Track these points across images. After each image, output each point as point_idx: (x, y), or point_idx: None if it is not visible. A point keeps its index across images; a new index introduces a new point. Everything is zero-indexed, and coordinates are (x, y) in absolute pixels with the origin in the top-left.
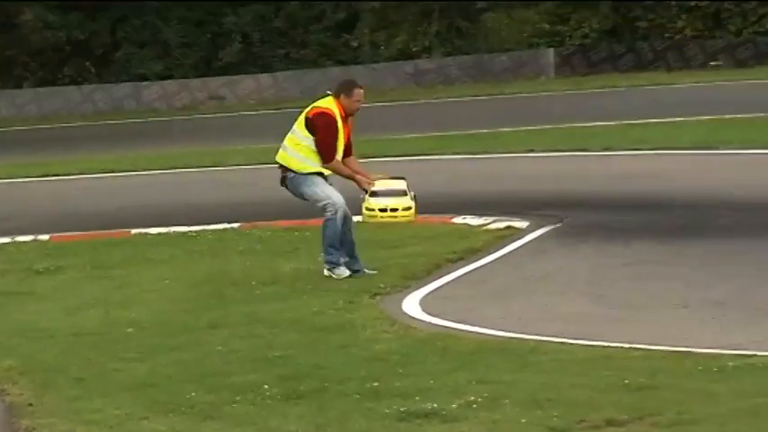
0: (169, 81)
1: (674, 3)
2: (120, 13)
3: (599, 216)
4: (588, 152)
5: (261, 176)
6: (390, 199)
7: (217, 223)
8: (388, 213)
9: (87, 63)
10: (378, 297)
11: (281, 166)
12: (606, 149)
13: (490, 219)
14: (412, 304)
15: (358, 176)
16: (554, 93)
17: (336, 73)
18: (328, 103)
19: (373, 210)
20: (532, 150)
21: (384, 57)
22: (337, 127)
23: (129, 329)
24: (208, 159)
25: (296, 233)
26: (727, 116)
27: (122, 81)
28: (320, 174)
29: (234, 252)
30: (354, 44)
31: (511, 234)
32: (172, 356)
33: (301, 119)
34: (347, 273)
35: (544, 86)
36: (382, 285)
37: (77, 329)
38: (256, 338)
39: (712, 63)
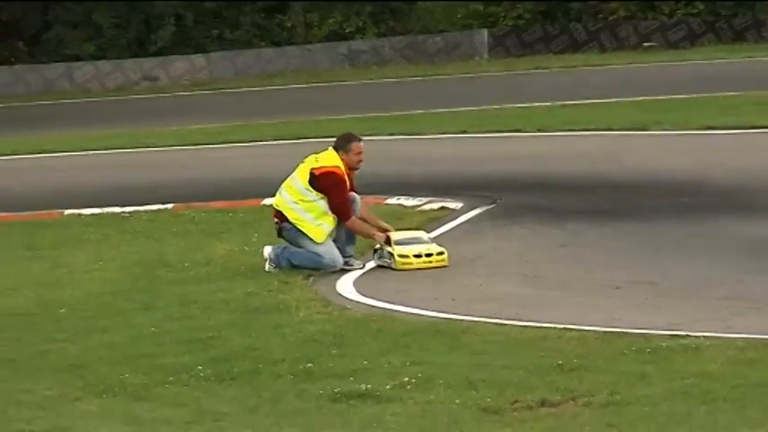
0: (102, 61)
1: None
2: None
3: (532, 197)
4: (522, 133)
5: (194, 157)
6: (420, 246)
7: (150, 204)
8: (423, 259)
9: (20, 43)
10: (311, 278)
11: (279, 215)
12: (539, 130)
13: (424, 200)
14: (346, 285)
15: (377, 235)
16: (488, 74)
17: (270, 54)
18: (333, 160)
19: (408, 256)
20: (466, 131)
21: (318, 37)
22: (346, 183)
23: (62, 310)
24: (142, 140)
25: (230, 214)
26: (660, 97)
27: (55, 61)
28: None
29: (167, 233)
30: (288, 25)
31: (444, 215)
32: (104, 338)
33: (305, 171)
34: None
35: (478, 67)
36: None
37: (9, 310)
38: (189, 320)
39: (645, 44)
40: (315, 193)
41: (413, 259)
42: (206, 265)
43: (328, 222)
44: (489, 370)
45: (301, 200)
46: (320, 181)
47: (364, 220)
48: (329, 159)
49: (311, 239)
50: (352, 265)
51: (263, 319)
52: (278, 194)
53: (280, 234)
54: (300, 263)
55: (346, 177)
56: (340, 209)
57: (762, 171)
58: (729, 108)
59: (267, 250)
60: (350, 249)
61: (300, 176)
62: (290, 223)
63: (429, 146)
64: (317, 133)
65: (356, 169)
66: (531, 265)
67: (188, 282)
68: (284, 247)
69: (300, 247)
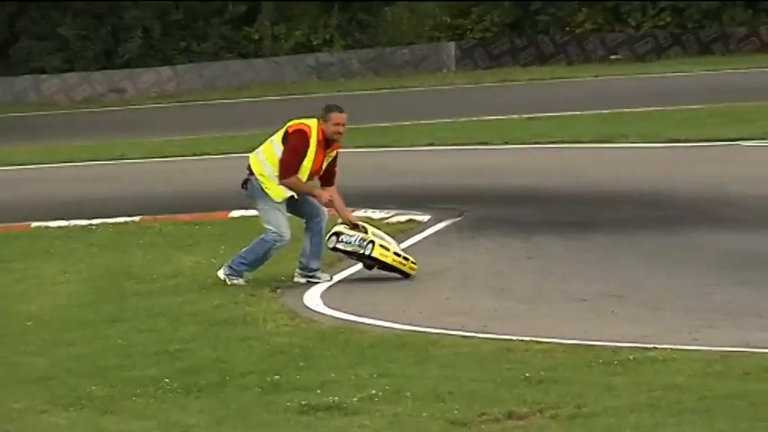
0: (69, 74)
1: None
2: (17, 6)
3: (499, 210)
4: (489, 146)
5: (162, 170)
6: (398, 247)
7: (117, 216)
8: (400, 259)
9: None
10: (279, 290)
11: (249, 168)
12: (506, 143)
13: (391, 212)
14: (313, 298)
15: (316, 190)
16: (455, 86)
17: (238, 66)
18: (309, 122)
19: (387, 249)
20: (433, 144)
21: (285, 50)
22: (307, 147)
23: (29, 323)
24: (110, 152)
25: (196, 227)
26: (627, 110)
27: (22, 74)
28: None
29: (134, 246)
30: (255, 37)
31: (411, 227)
32: (71, 350)
33: (281, 132)
34: (242, 283)
35: (445, 80)
36: (283, 278)
37: None
38: (156, 332)
39: (612, 56)
40: (283, 149)
41: (392, 255)
42: (173, 278)
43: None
44: (457, 382)
45: (271, 156)
46: (289, 137)
47: (335, 204)
48: (307, 121)
49: (270, 198)
50: (319, 279)
51: (231, 331)
52: (255, 152)
53: (244, 185)
54: (249, 254)
55: (312, 141)
56: (284, 165)
57: (728, 184)
58: (695, 120)
59: (220, 273)
60: (314, 263)
61: (278, 137)
62: (255, 177)
63: (396, 158)
64: None
65: (334, 141)
66: (499, 278)
67: (155, 294)
68: (230, 260)
69: (256, 207)
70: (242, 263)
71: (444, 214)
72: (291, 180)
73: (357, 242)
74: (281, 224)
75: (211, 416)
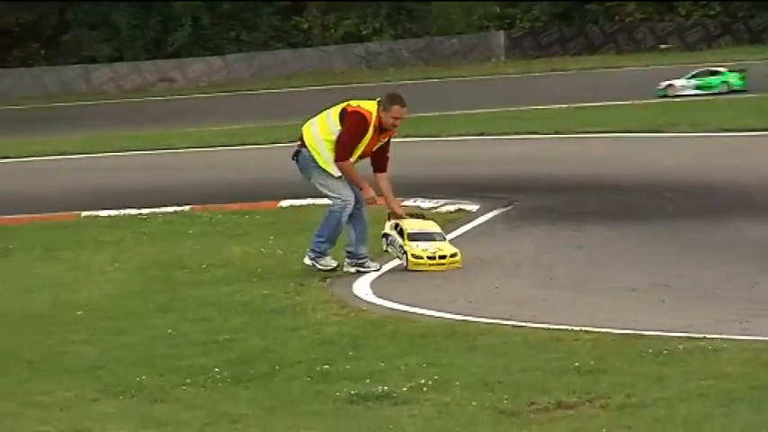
0: (119, 63)
1: None
2: None
3: (548, 199)
4: (538, 135)
5: (212, 159)
6: (434, 244)
7: (167, 206)
8: (437, 261)
9: (36, 45)
10: (328, 280)
11: (301, 139)
12: (556, 132)
13: (441, 202)
14: (363, 287)
15: (364, 183)
16: (504, 76)
17: (287, 55)
18: (370, 107)
19: (421, 258)
20: (483, 133)
21: (334, 39)
22: (366, 132)
23: (79, 312)
24: (159, 142)
25: (246, 216)
26: (677, 99)
27: (72, 63)
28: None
29: (184, 235)
30: (305, 27)
31: (461, 217)
32: (121, 339)
33: (339, 107)
34: (333, 264)
35: (494, 69)
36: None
37: (27, 312)
38: (205, 322)
39: (662, 46)
40: (340, 128)
41: (426, 261)
42: (223, 267)
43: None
44: (506, 372)
45: (326, 133)
46: (347, 116)
47: (381, 191)
48: (367, 104)
49: (323, 169)
50: (368, 267)
51: (280, 321)
52: (309, 122)
53: (295, 156)
54: (324, 230)
55: (370, 127)
56: (341, 146)
57: None
58: (747, 110)
59: (306, 260)
60: (362, 249)
61: (334, 112)
62: (308, 150)
63: (446, 148)
64: None
65: (388, 131)
66: (548, 267)
67: (204, 284)
68: (310, 245)
69: (310, 178)
70: (320, 242)
71: (494, 204)
72: (346, 164)
73: (398, 249)
74: (341, 189)
75: (261, 405)
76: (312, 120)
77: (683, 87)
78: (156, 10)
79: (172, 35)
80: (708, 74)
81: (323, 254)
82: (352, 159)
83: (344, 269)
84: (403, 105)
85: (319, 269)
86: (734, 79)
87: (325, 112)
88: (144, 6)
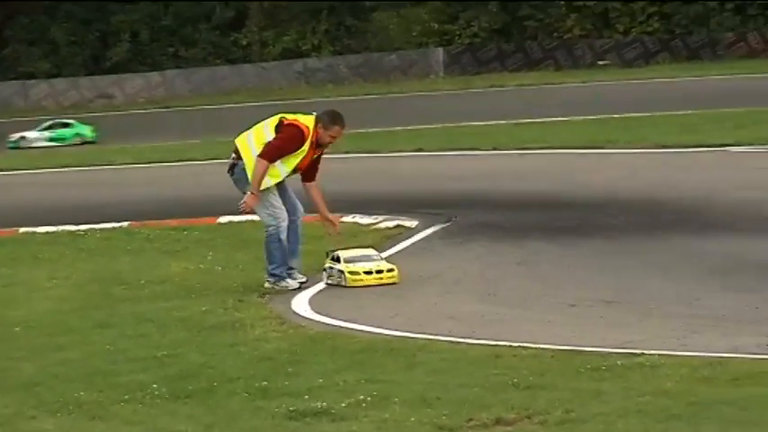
0: (57, 79)
1: (562, 2)
2: (7, 11)
3: (488, 215)
4: (477, 151)
5: (150, 175)
6: (370, 263)
7: (105, 222)
8: (374, 276)
9: None
10: (267, 296)
11: (236, 152)
12: (495, 148)
13: (380, 218)
14: (301, 303)
15: (256, 191)
16: (443, 92)
17: (226, 71)
18: (307, 122)
19: (358, 273)
20: (422, 149)
21: (273, 55)
22: (301, 146)
23: (17, 329)
24: (98, 158)
25: (185, 232)
26: (615, 115)
27: (9, 79)
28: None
29: (122, 251)
30: (243, 43)
31: (400, 233)
32: (59, 356)
33: (275, 119)
34: (295, 284)
35: (434, 85)
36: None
37: None
38: (144, 338)
39: (600, 62)
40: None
41: (363, 276)
42: (161, 284)
43: (273, 176)
44: (445, 388)
45: (261, 143)
46: (284, 128)
47: (312, 200)
48: (304, 119)
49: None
50: (295, 278)
51: (219, 337)
52: (244, 134)
53: (231, 170)
54: (271, 259)
55: (307, 142)
56: (270, 149)
57: (717, 189)
58: (684, 126)
59: (266, 285)
60: (293, 263)
61: (270, 123)
62: (243, 162)
63: (384, 164)
64: None
65: (322, 146)
66: (488, 283)
67: (143, 300)
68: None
69: (244, 192)
70: (274, 269)
71: (433, 220)
72: (264, 164)
73: (336, 274)
74: (274, 205)
75: (199, 422)
76: (246, 132)
77: (37, 139)
78: (94, 25)
79: (110, 50)
80: (60, 126)
81: (281, 277)
82: (288, 169)
83: (265, 285)
84: (343, 126)
85: (289, 289)
86: (86, 131)
87: (260, 124)
88: (82, 22)
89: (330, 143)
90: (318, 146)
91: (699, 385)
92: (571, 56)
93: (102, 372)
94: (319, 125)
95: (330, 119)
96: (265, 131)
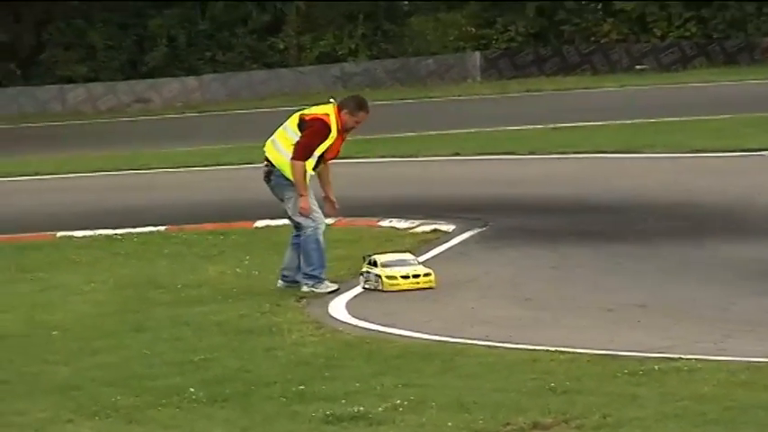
0: (94, 83)
1: (599, 6)
2: (44, 15)
3: (524, 220)
4: (514, 155)
5: (187, 180)
6: (407, 267)
7: (142, 226)
8: (411, 280)
9: (12, 65)
10: (304, 300)
11: (268, 161)
12: (531, 153)
13: (416, 222)
14: (338, 308)
15: (305, 193)
16: (480, 96)
17: (262, 76)
18: (326, 109)
19: (395, 278)
20: (458, 154)
21: (310, 60)
22: (327, 134)
23: (54, 332)
24: (134, 162)
25: (221, 236)
26: (652, 120)
27: (47, 83)
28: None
29: (159, 255)
30: (280, 47)
31: (437, 237)
32: (96, 359)
33: (295, 119)
34: (334, 286)
35: (470, 90)
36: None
37: (2, 332)
38: (181, 341)
39: (638, 67)
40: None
41: (400, 280)
42: (198, 287)
43: (308, 168)
44: (481, 392)
45: (287, 144)
46: (307, 124)
47: (320, 176)
48: (320, 109)
49: (294, 193)
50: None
51: (256, 341)
52: (269, 141)
53: (267, 178)
54: (308, 260)
55: (333, 130)
56: (300, 148)
57: (753, 194)
58: (721, 131)
59: (304, 288)
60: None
61: (291, 123)
62: (277, 168)
63: (421, 168)
64: None
65: (347, 131)
66: (524, 288)
67: (180, 303)
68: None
69: (283, 198)
70: (312, 270)
71: (469, 224)
72: (301, 164)
73: (373, 279)
74: (312, 208)
75: (236, 426)
76: (271, 138)
77: None
78: (131, 30)
79: (147, 55)
80: None
81: (318, 279)
82: (312, 162)
83: (304, 289)
84: (368, 112)
85: (325, 292)
86: None
87: (281, 127)
88: (119, 26)
89: (354, 128)
90: (345, 131)
91: (736, 390)
92: (608, 60)
93: (138, 376)
94: (344, 111)
95: (357, 105)
96: (289, 133)
